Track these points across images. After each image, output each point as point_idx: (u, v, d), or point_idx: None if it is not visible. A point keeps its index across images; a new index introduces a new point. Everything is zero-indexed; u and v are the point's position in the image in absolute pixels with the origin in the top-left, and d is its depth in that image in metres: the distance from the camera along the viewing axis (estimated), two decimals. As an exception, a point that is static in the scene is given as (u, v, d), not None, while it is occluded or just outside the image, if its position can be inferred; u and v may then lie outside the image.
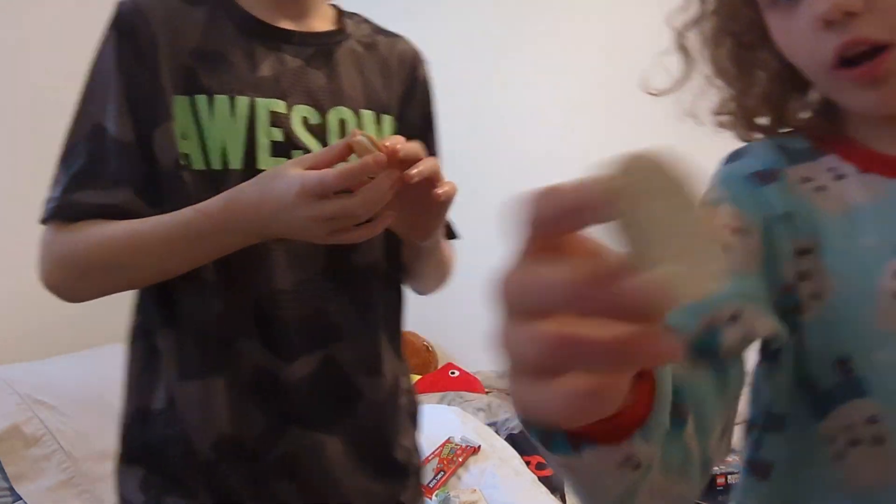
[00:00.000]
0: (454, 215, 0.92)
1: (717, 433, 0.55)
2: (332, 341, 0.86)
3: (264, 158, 0.81)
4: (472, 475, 1.83)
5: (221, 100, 0.80)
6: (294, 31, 0.87)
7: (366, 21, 0.97)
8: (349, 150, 0.72)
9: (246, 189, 0.74)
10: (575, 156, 2.80)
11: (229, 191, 0.75)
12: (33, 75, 2.45)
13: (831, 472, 0.59)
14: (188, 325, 0.82)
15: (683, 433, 0.51)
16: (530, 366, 0.28)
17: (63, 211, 0.80)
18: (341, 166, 0.72)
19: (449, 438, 1.90)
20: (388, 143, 0.72)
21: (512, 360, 0.28)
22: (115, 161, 0.80)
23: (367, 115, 0.89)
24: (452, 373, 2.75)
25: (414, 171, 0.73)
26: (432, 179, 0.76)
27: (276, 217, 0.72)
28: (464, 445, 1.89)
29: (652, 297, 0.25)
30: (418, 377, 2.73)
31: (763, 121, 0.68)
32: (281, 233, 0.75)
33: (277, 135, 0.82)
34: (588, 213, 0.26)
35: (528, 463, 1.90)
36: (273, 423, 0.83)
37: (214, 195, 0.76)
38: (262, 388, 0.83)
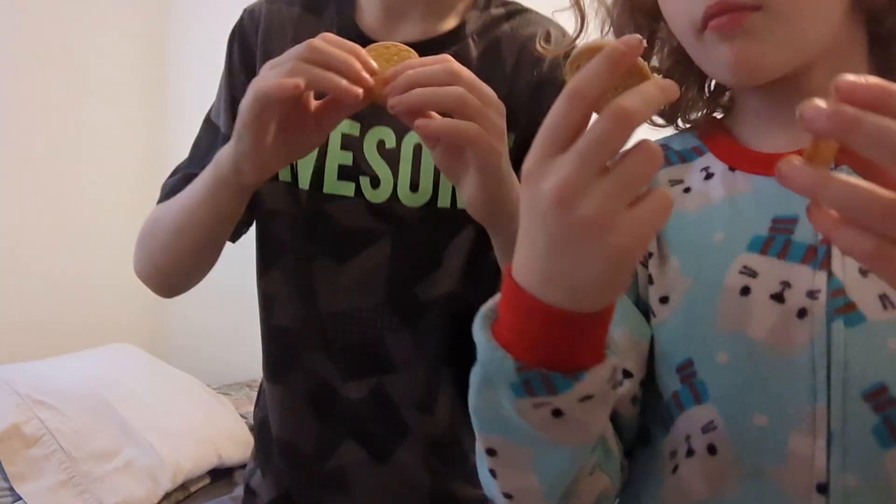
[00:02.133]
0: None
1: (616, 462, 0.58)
2: (384, 372, 0.82)
3: (331, 182, 0.80)
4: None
5: None
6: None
7: (505, 5, 0.84)
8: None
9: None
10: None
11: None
12: (36, 77, 2.46)
13: (662, 489, 0.56)
14: (265, 332, 0.87)
15: (606, 430, 0.56)
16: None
17: (161, 192, 0.85)
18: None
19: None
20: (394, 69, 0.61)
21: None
22: (214, 147, 0.81)
23: None
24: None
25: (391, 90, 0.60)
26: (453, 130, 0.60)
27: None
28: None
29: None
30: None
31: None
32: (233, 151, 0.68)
33: (346, 158, 0.79)
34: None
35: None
36: (328, 436, 0.84)
37: (286, 209, 0.81)
38: (319, 402, 0.84)
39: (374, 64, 0.61)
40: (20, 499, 1.71)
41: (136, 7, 2.85)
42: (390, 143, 0.79)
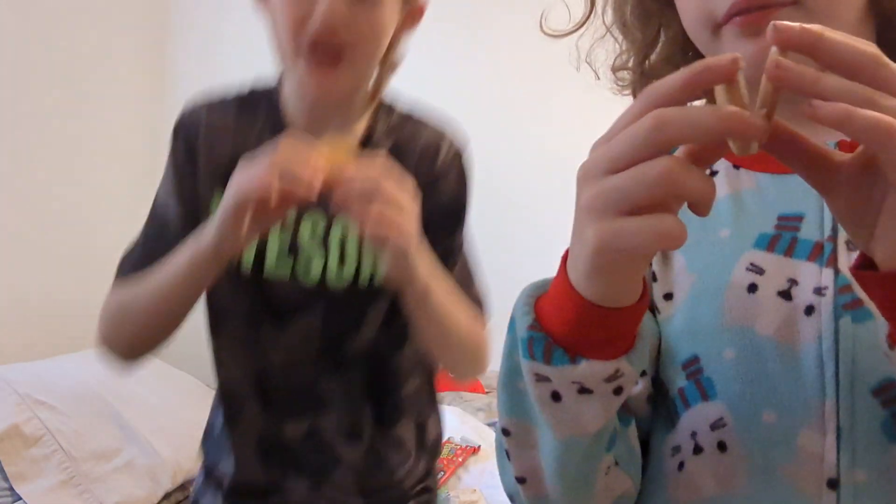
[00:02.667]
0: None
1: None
2: (319, 412, 0.99)
3: (270, 266, 0.94)
4: (471, 475, 1.83)
5: None
6: None
7: (401, 112, 0.99)
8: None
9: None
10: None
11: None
12: (34, 75, 2.46)
13: (669, 487, 0.56)
14: (217, 385, 1.03)
15: (628, 430, 0.57)
16: (633, 202, 0.38)
17: (119, 270, 0.97)
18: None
19: (449, 438, 1.90)
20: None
21: (615, 201, 0.38)
22: (171, 230, 0.94)
23: None
24: (453, 373, 2.75)
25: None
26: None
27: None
28: (464, 445, 1.88)
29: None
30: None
31: None
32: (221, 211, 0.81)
33: (284, 241, 0.94)
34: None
35: (528, 463, 1.90)
36: (274, 474, 0.99)
37: (230, 288, 0.95)
38: (264, 446, 0.99)
39: (323, 169, 0.76)
40: (20, 499, 1.71)
41: (136, 11, 2.85)
42: (321, 229, 0.94)
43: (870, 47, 0.37)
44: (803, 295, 0.51)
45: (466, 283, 0.99)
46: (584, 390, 0.46)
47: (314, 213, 0.93)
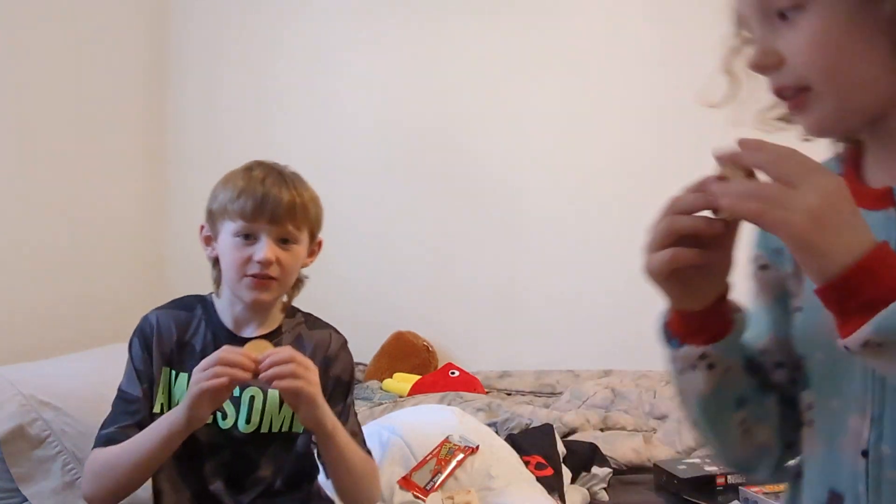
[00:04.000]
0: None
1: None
2: None
3: None
4: (469, 475, 1.83)
5: (182, 375, 1.39)
6: (239, 337, 1.41)
7: (304, 317, 1.49)
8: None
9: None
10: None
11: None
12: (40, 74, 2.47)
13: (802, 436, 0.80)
14: None
15: (766, 399, 0.80)
16: (654, 242, 0.66)
17: (97, 441, 1.37)
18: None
19: (447, 438, 1.89)
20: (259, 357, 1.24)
21: (648, 244, 0.67)
22: (135, 406, 1.38)
23: (273, 393, 1.39)
24: (452, 373, 2.77)
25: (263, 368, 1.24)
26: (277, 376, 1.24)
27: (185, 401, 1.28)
28: (462, 445, 1.88)
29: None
30: (418, 377, 2.75)
31: None
32: (189, 398, 1.25)
33: None
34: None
35: (526, 463, 1.90)
36: None
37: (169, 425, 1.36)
38: None
39: (254, 357, 1.24)
40: (26, 500, 1.72)
41: (137, 21, 2.86)
42: (235, 393, 1.37)
43: (784, 147, 0.59)
44: None
45: (357, 435, 1.42)
46: (690, 365, 0.73)
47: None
